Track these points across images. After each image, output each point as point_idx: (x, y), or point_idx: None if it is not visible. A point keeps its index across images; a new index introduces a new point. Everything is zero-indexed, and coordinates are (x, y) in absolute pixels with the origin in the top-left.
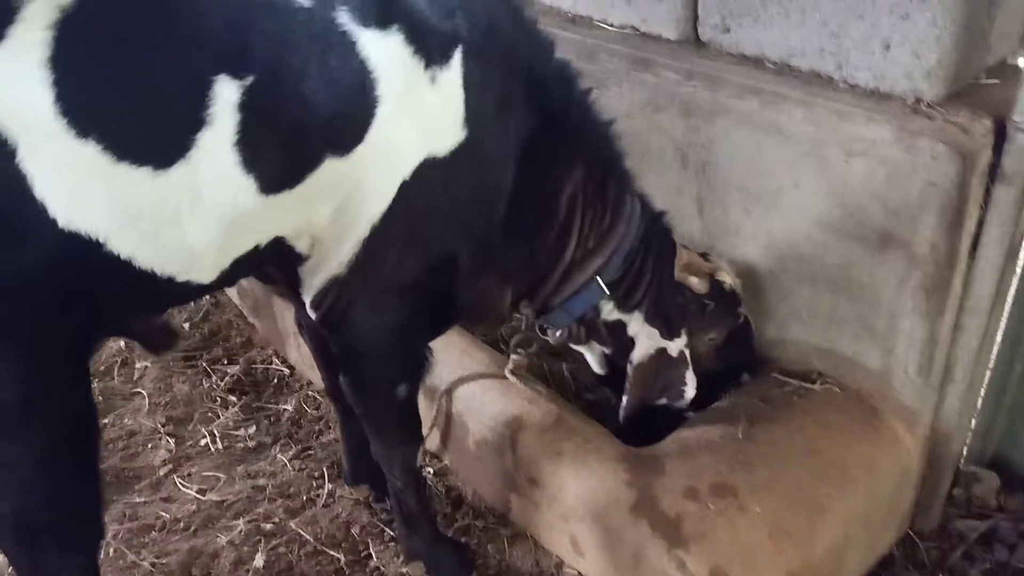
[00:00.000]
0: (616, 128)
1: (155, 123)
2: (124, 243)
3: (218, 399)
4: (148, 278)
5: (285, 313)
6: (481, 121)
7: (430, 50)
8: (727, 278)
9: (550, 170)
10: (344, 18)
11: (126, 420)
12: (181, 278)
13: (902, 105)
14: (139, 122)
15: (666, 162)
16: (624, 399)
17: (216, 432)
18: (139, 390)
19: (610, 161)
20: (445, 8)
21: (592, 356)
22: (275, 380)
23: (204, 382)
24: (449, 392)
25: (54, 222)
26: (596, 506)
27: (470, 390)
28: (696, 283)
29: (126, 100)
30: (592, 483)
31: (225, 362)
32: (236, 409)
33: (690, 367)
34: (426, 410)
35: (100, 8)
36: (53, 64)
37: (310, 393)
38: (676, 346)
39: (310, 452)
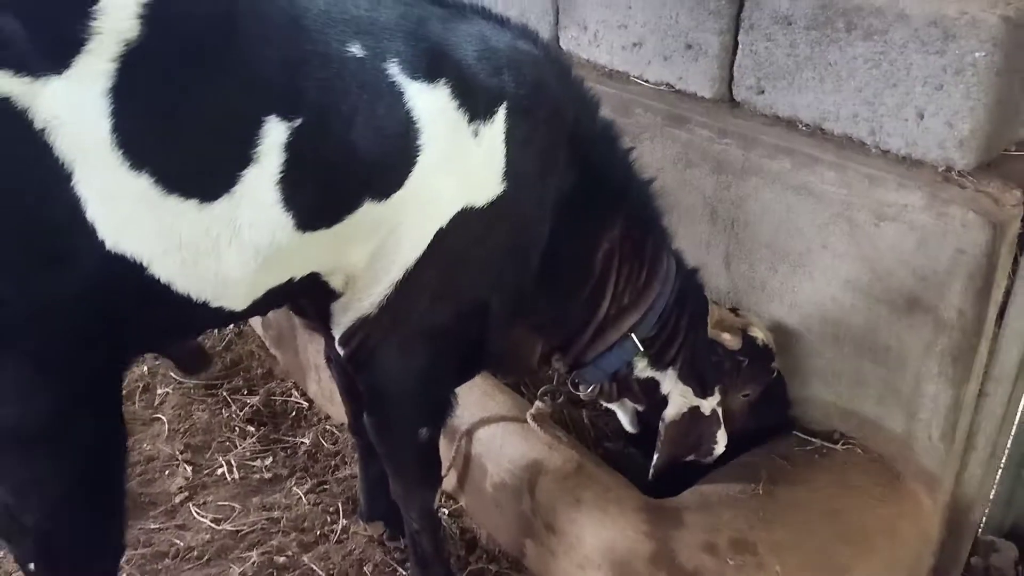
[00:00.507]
0: (656, 187)
1: (205, 158)
2: (165, 269)
3: (236, 428)
4: (184, 302)
5: (308, 346)
6: (521, 176)
7: (475, 105)
8: (759, 333)
9: (588, 226)
10: (394, 69)
11: (145, 445)
12: (215, 304)
13: (933, 173)
14: (190, 156)
15: (695, 217)
16: (655, 456)
17: (233, 462)
18: (159, 416)
19: (649, 219)
20: (493, 65)
21: (624, 414)
22: (293, 412)
23: (224, 411)
24: (469, 433)
25: (102, 243)
26: (614, 556)
27: (490, 432)
28: (729, 339)
29: (180, 134)
30: (612, 533)
31: (245, 392)
32: (254, 440)
33: (722, 426)
34: (445, 450)
35: (162, 44)
36: (114, 95)
37: (327, 427)
38: (709, 404)
39: (325, 487)
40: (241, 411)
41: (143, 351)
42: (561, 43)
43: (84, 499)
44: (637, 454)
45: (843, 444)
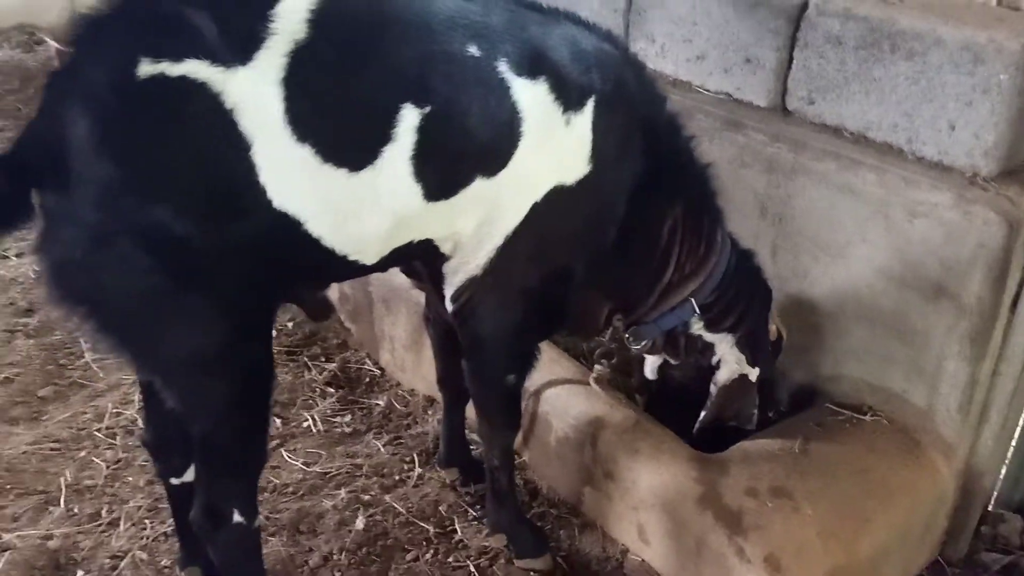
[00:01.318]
0: (712, 171)
1: (354, 135)
2: (318, 226)
3: (317, 390)
4: (329, 255)
5: (383, 319)
6: (604, 159)
7: (569, 98)
8: (784, 334)
9: (655, 203)
10: (503, 67)
11: None
12: (352, 258)
13: (961, 177)
14: (343, 133)
15: (747, 211)
16: (702, 413)
17: (316, 417)
18: None
19: (706, 199)
20: (584, 65)
21: (652, 362)
22: (367, 379)
23: (305, 374)
24: (537, 394)
25: (270, 202)
26: (666, 497)
27: (556, 393)
28: (773, 330)
29: (335, 115)
30: (664, 478)
31: (323, 359)
32: (333, 400)
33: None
34: None
35: (324, 43)
36: (286, 83)
37: (399, 392)
38: (755, 374)
39: (401, 440)
40: (320, 375)
41: (289, 298)
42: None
43: (242, 413)
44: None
45: (871, 416)
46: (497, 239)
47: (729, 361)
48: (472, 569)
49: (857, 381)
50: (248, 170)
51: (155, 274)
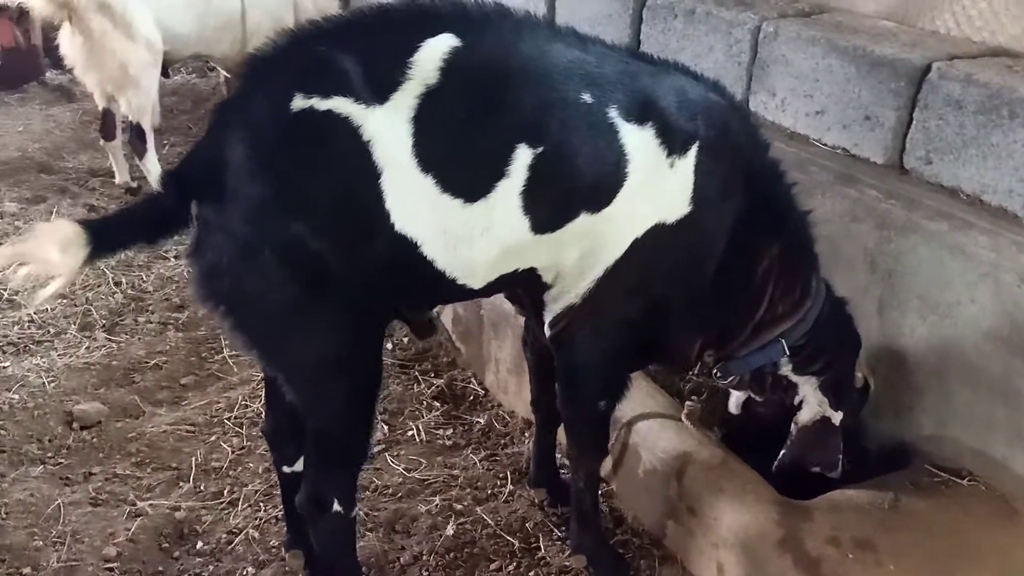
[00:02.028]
0: (811, 217)
1: (472, 170)
2: (433, 248)
3: (424, 402)
4: (440, 276)
5: (491, 342)
6: (704, 200)
7: (673, 143)
8: (871, 382)
9: (753, 244)
10: (614, 113)
11: None
12: (460, 281)
13: None
14: (462, 168)
15: (856, 265)
16: (782, 452)
17: (421, 427)
18: None
19: (803, 244)
20: (690, 112)
21: (736, 397)
22: (471, 397)
23: (415, 387)
24: (629, 425)
25: (392, 225)
26: (746, 538)
27: (647, 426)
28: (859, 377)
29: (456, 152)
30: (746, 518)
31: (432, 375)
32: (437, 414)
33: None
34: None
35: (452, 88)
36: (416, 121)
37: (500, 412)
38: (838, 418)
39: (496, 458)
40: (428, 389)
41: (399, 315)
42: (750, 105)
43: (352, 413)
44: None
45: (969, 480)
46: (598, 271)
47: (811, 403)
48: None
49: (957, 444)
50: (377, 196)
51: (290, 284)
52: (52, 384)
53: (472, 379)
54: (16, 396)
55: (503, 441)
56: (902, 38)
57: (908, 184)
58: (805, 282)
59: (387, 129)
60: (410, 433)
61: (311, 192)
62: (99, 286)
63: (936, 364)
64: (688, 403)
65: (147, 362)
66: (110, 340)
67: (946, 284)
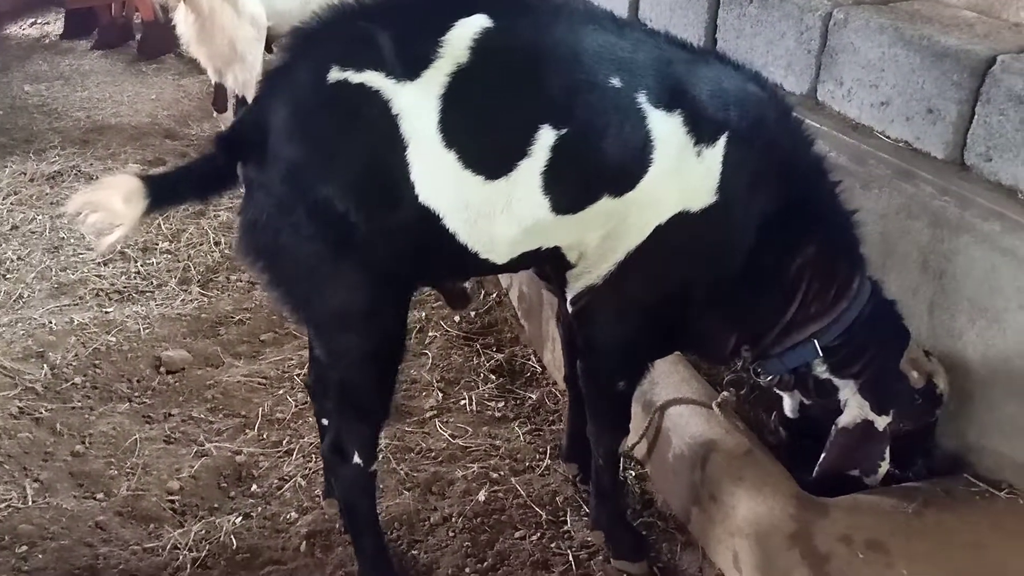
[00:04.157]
0: (861, 216)
1: (495, 147)
2: (454, 222)
3: (481, 375)
4: (462, 249)
5: (551, 320)
6: (731, 191)
7: (701, 132)
8: (941, 383)
9: (787, 241)
10: (642, 98)
11: (412, 371)
12: (483, 255)
13: None
14: (486, 144)
15: (909, 264)
16: (822, 457)
17: (474, 398)
18: (426, 352)
19: (845, 244)
20: (722, 102)
21: (790, 401)
22: (528, 373)
23: (475, 359)
24: (663, 409)
25: (416, 196)
26: (759, 528)
27: (679, 411)
28: (916, 378)
29: (481, 128)
30: (761, 509)
31: (494, 349)
32: (492, 387)
33: (888, 445)
34: (640, 421)
35: (481, 68)
36: (444, 98)
37: (553, 390)
38: (882, 422)
39: (540, 432)
40: (488, 362)
41: (429, 280)
42: (818, 95)
43: (373, 369)
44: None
45: (1007, 492)
46: (619, 254)
47: (852, 405)
48: (571, 558)
49: (1000, 456)
50: (402, 166)
51: (319, 241)
52: (147, 331)
53: (532, 356)
54: (114, 339)
55: (551, 418)
56: (976, 28)
57: (966, 181)
58: (843, 283)
59: (415, 104)
60: (462, 402)
61: (341, 158)
62: (200, 244)
63: (983, 372)
64: (724, 393)
65: (233, 317)
66: (203, 295)
67: (996, 288)
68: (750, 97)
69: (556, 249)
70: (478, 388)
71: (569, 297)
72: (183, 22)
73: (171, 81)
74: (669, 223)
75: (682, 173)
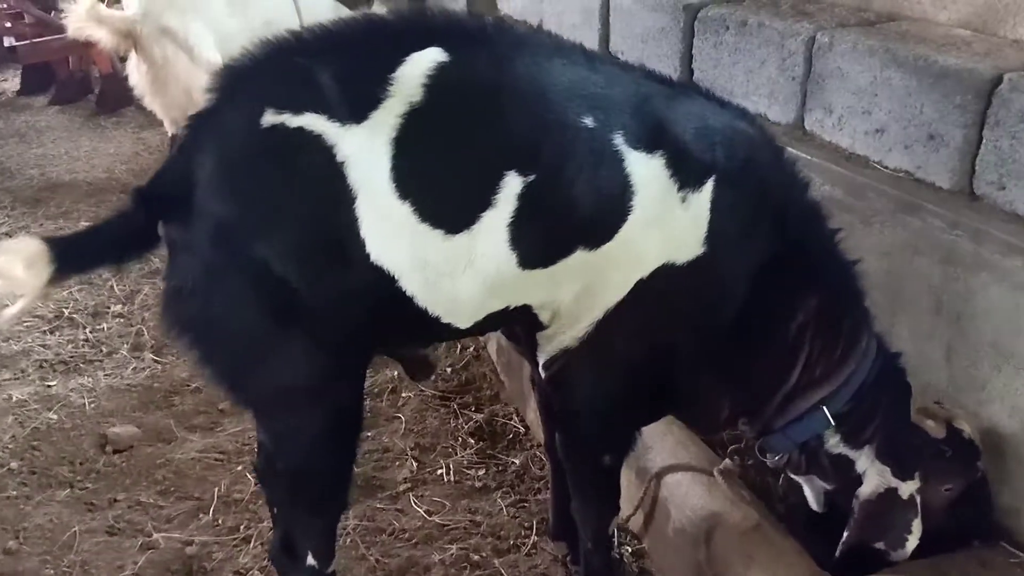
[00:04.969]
0: (860, 268)
1: (455, 198)
2: (412, 283)
3: (460, 439)
4: (422, 313)
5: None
6: (721, 241)
7: (686, 175)
8: (965, 426)
9: (785, 295)
10: (619, 139)
11: (384, 438)
12: (444, 320)
13: None
14: (444, 195)
15: (919, 305)
16: (844, 535)
17: (452, 466)
18: (399, 415)
19: (848, 297)
20: (707, 142)
21: (812, 492)
22: (511, 435)
23: (452, 421)
24: (659, 476)
25: (368, 255)
26: None
27: (678, 479)
28: (932, 426)
29: (439, 178)
30: None
31: (473, 408)
32: (472, 452)
33: (919, 515)
34: (635, 490)
35: (437, 108)
36: (396, 143)
37: (537, 453)
38: (908, 488)
39: (525, 504)
40: (466, 424)
41: (384, 349)
42: (805, 124)
43: (325, 454)
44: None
45: None
46: (597, 312)
47: (871, 474)
48: None
49: None
50: (350, 222)
51: (257, 311)
52: (92, 405)
53: (514, 414)
54: (55, 416)
55: (537, 485)
56: (974, 47)
57: (977, 212)
58: (849, 341)
59: (364, 150)
60: (439, 472)
61: (278, 214)
62: (156, 306)
63: (1013, 425)
64: (726, 460)
65: (188, 384)
66: (156, 361)
67: (1021, 331)
68: (738, 135)
69: (526, 308)
70: (456, 455)
71: (542, 361)
72: (136, 72)
73: (130, 134)
74: (652, 277)
75: (666, 221)
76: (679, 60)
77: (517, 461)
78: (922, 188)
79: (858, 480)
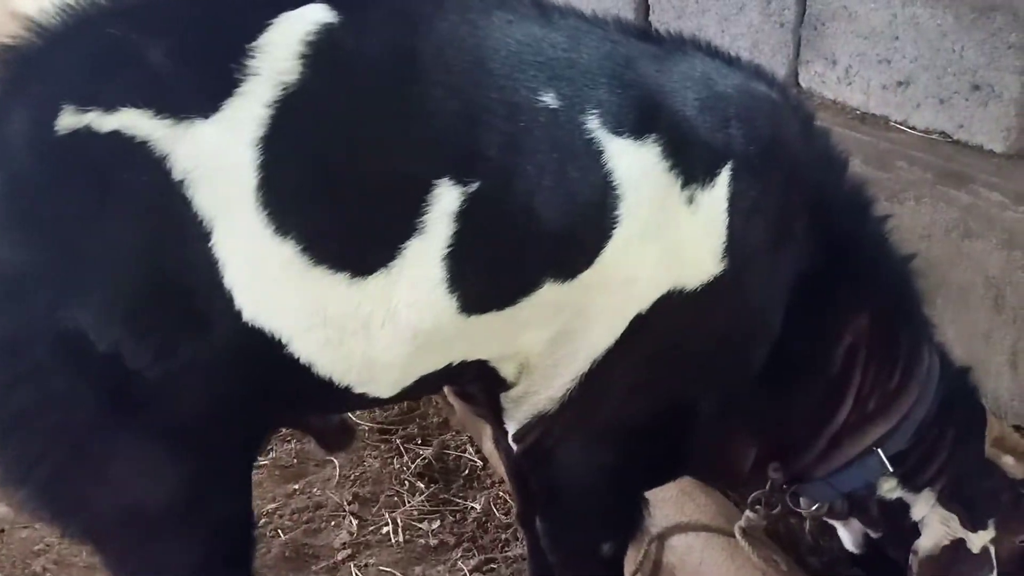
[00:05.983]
0: (916, 266)
1: (362, 225)
2: (307, 347)
3: (406, 483)
4: (325, 385)
5: None
6: (746, 253)
7: (691, 166)
8: None
9: (829, 313)
10: (594, 123)
11: (315, 490)
12: (358, 390)
13: None
14: (345, 223)
15: (972, 301)
16: None
17: (399, 520)
18: (331, 459)
19: (905, 307)
20: (720, 116)
21: (848, 532)
22: (466, 471)
23: (395, 461)
24: (662, 538)
25: (238, 314)
26: None
27: (688, 542)
28: (1012, 464)
29: (336, 196)
30: None
31: (419, 442)
32: (422, 498)
33: (995, 570)
34: (632, 554)
35: (326, 88)
36: (265, 146)
37: (500, 493)
38: (979, 540)
39: (493, 566)
40: (413, 463)
41: (279, 428)
42: (801, 80)
43: None
44: None
45: None
46: (580, 363)
47: (933, 524)
48: None
49: None
50: (208, 268)
51: (77, 401)
52: None
53: (468, 446)
54: None
55: (503, 536)
56: None
57: None
58: (909, 362)
59: (216, 160)
60: (385, 530)
61: (91, 262)
62: None
63: None
64: (748, 513)
65: None
66: None
67: None
68: (758, 104)
69: (483, 364)
70: (404, 504)
71: (511, 431)
72: None
73: None
74: (654, 310)
75: (667, 233)
76: (633, 10)
77: (478, 506)
78: (967, 152)
79: (914, 529)
